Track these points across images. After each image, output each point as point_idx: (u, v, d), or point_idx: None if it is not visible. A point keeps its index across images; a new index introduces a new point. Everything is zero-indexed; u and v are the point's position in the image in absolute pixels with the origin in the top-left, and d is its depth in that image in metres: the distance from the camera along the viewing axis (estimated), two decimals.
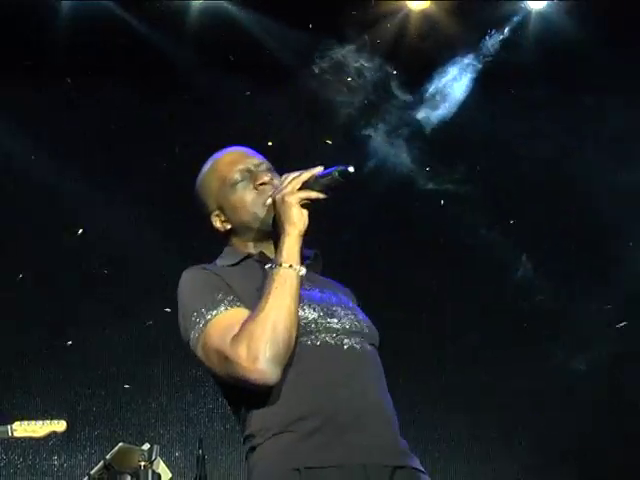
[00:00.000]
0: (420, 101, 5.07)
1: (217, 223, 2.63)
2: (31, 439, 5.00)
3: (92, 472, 4.73)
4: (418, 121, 5.07)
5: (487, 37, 5.02)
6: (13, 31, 5.56)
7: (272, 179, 2.61)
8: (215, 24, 5.71)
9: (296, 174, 2.47)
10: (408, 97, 5.00)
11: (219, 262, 2.65)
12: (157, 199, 5.83)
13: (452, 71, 5.13)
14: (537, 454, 5.69)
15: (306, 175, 2.44)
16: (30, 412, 5.31)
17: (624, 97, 5.52)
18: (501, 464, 5.75)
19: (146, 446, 4.63)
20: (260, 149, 2.75)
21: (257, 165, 2.66)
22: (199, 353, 2.44)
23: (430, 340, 6.00)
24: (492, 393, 5.76)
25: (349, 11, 5.19)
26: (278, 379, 2.34)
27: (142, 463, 4.57)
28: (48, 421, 4.84)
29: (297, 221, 2.45)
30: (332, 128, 4.73)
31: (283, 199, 2.48)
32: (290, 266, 2.43)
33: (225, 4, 5.77)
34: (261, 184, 2.58)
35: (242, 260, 2.60)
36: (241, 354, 2.36)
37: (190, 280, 2.59)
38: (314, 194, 2.43)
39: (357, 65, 4.55)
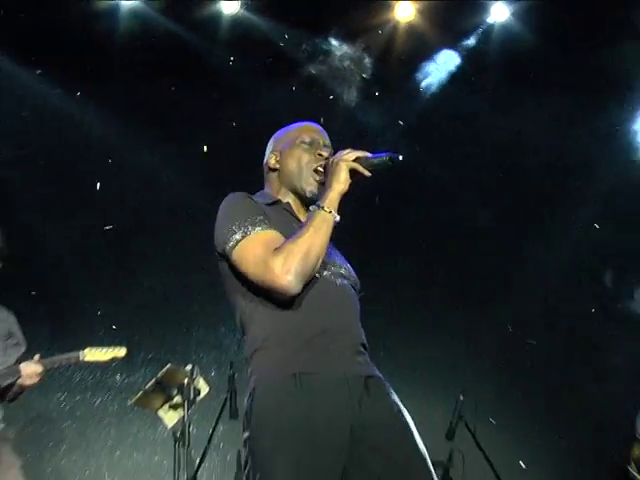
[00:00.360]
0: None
1: (272, 160, 3.14)
2: (97, 363, 5.48)
3: (146, 387, 5.14)
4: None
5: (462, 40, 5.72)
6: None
7: (328, 157, 3.07)
8: (243, 30, 6.36)
9: (351, 150, 2.94)
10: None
11: (258, 197, 3.13)
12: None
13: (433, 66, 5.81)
14: None
15: (361, 153, 2.90)
16: (98, 340, 5.77)
17: (560, 87, 6.39)
18: None
19: (189, 367, 4.98)
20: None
21: (324, 143, 3.16)
22: (235, 256, 2.85)
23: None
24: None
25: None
26: (298, 292, 2.77)
27: (186, 380, 4.97)
28: (112, 348, 5.37)
29: (343, 181, 2.89)
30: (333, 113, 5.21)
31: (338, 162, 2.92)
32: (330, 212, 2.89)
33: (251, 16, 6.34)
34: (320, 155, 3.07)
35: (273, 203, 3.05)
36: (277, 264, 2.77)
37: (235, 200, 3.02)
38: (362, 168, 2.87)
39: (348, 62, 5.19)
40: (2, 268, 5.29)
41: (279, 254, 2.82)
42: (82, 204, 6.57)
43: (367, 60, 4.89)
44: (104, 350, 5.34)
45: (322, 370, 2.83)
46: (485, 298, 6.63)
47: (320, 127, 3.31)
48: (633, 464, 5.68)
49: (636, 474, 5.67)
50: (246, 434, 2.85)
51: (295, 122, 3.31)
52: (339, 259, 3.18)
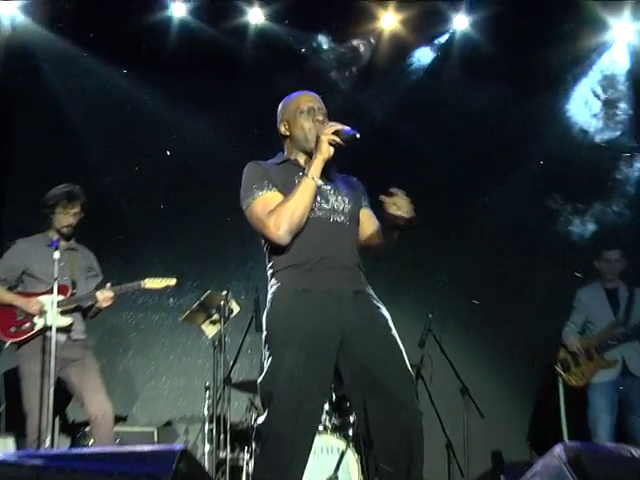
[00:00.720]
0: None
1: (282, 128, 3.58)
2: (155, 290, 6.01)
3: (192, 307, 6.13)
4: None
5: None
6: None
7: (324, 120, 3.50)
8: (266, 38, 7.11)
9: (334, 123, 3.36)
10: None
11: (270, 161, 3.59)
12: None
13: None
14: None
15: (339, 127, 3.32)
16: (156, 271, 6.29)
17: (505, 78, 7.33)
18: None
19: (224, 292, 6.01)
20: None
21: (319, 109, 3.56)
22: (248, 216, 3.41)
23: None
24: None
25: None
26: (288, 242, 3.30)
27: (222, 302, 5.96)
28: (165, 278, 5.94)
29: (324, 151, 3.32)
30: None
31: (320, 136, 3.33)
32: (312, 178, 3.34)
33: (274, 25, 7.03)
34: (316, 120, 3.52)
35: (283, 162, 3.54)
36: (270, 223, 3.31)
37: (248, 170, 3.52)
38: (338, 139, 3.28)
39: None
40: (84, 218, 5.76)
41: (271, 215, 3.35)
42: (146, 167, 7.30)
43: (360, 55, 5.45)
44: (160, 280, 5.92)
45: (318, 288, 3.38)
46: (451, 238, 7.41)
47: (313, 94, 3.69)
48: (559, 364, 6.37)
49: (560, 371, 6.30)
50: (264, 333, 3.44)
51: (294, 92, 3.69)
52: (339, 196, 3.62)
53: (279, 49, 7.23)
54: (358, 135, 3.34)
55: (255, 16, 7.15)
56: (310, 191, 3.37)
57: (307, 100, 3.62)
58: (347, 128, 3.36)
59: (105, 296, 5.63)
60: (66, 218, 5.70)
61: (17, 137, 7.55)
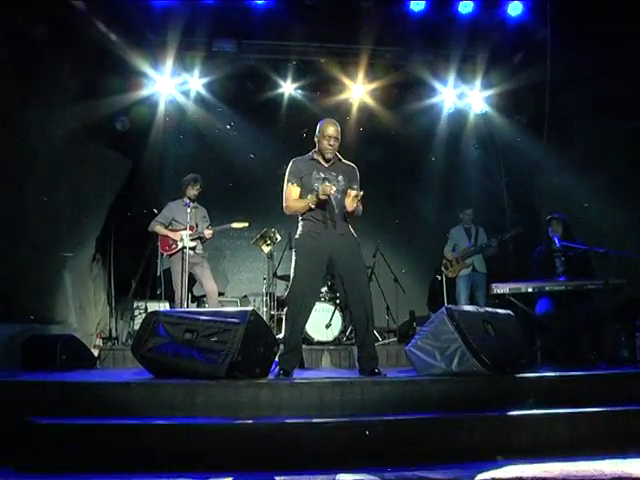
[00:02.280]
0: None
1: (315, 140, 4.52)
2: (237, 228, 6.92)
3: (257, 236, 7.33)
4: None
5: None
6: None
7: (333, 144, 4.42)
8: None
9: (328, 190, 4.27)
10: None
11: (306, 156, 4.56)
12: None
13: None
14: None
15: (329, 191, 4.26)
16: (228, 220, 7.15)
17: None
18: None
19: (274, 229, 7.32)
20: None
21: (335, 137, 4.46)
22: (283, 191, 4.52)
23: None
24: None
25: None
26: (290, 215, 4.56)
27: (272, 234, 7.36)
28: (243, 222, 6.88)
29: (320, 200, 4.34)
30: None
31: (320, 195, 4.29)
32: (309, 205, 4.35)
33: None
34: (330, 145, 4.40)
35: (311, 159, 4.54)
36: (284, 205, 4.53)
37: (290, 165, 4.59)
38: (326, 197, 4.27)
39: None
40: (204, 189, 6.82)
41: (286, 202, 4.48)
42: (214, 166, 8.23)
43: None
44: (239, 223, 6.89)
45: (318, 230, 4.47)
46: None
47: (334, 125, 4.50)
48: (442, 267, 7.64)
49: (444, 269, 7.63)
50: (293, 250, 4.58)
51: (324, 118, 4.58)
52: (339, 179, 4.46)
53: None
54: (335, 191, 4.37)
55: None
56: (305, 207, 4.47)
57: (328, 129, 4.52)
58: (333, 190, 4.35)
59: (209, 232, 6.81)
60: (192, 192, 6.86)
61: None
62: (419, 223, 8.45)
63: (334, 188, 4.33)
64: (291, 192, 4.52)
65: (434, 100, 8.15)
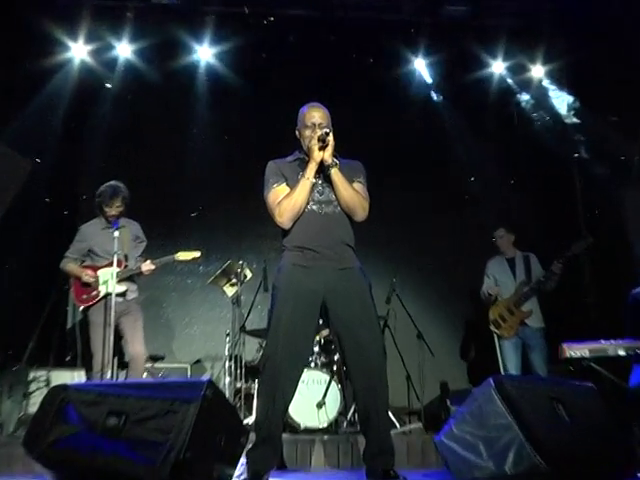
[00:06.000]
0: None
1: (297, 133, 4.63)
2: (185, 261, 7.00)
3: (217, 273, 7.39)
4: None
5: None
6: None
7: (314, 132, 4.43)
8: None
9: (316, 133, 4.38)
10: None
11: (286, 158, 4.62)
12: None
13: None
14: None
15: (318, 133, 4.35)
16: (191, 243, 7.56)
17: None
18: None
19: (241, 262, 7.42)
20: None
21: (320, 123, 4.54)
22: (267, 204, 4.44)
23: None
24: None
25: None
26: (289, 226, 4.38)
27: (238, 269, 7.42)
28: (192, 252, 6.91)
29: (315, 157, 4.39)
30: None
31: (311, 147, 4.40)
32: (307, 179, 4.37)
33: None
34: (314, 133, 4.45)
35: (294, 160, 4.60)
36: (276, 212, 4.42)
37: (268, 168, 4.62)
38: (320, 143, 4.29)
39: None
40: (128, 205, 6.85)
41: (278, 206, 4.37)
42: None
43: None
44: (188, 253, 6.89)
45: (308, 264, 4.42)
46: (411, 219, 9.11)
47: (318, 109, 4.62)
48: (491, 324, 7.58)
49: (494, 330, 7.50)
50: (270, 293, 4.47)
51: (306, 104, 4.68)
52: (328, 192, 4.49)
53: None
54: (327, 130, 4.40)
55: None
56: (306, 188, 4.44)
57: (311, 117, 4.66)
58: (323, 131, 4.41)
59: (147, 268, 6.85)
60: (111, 211, 6.86)
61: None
62: (451, 253, 8.54)
63: (325, 130, 4.39)
64: (278, 192, 4.54)
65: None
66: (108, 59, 8.81)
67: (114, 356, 6.70)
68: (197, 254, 6.97)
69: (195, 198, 8.79)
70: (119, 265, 6.70)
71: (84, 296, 6.84)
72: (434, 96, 9.48)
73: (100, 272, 6.82)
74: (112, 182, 6.91)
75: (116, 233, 6.46)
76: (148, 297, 8.01)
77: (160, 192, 8.48)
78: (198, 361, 8.38)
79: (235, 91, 8.87)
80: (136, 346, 6.75)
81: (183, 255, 6.93)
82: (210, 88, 9.13)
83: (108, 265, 6.74)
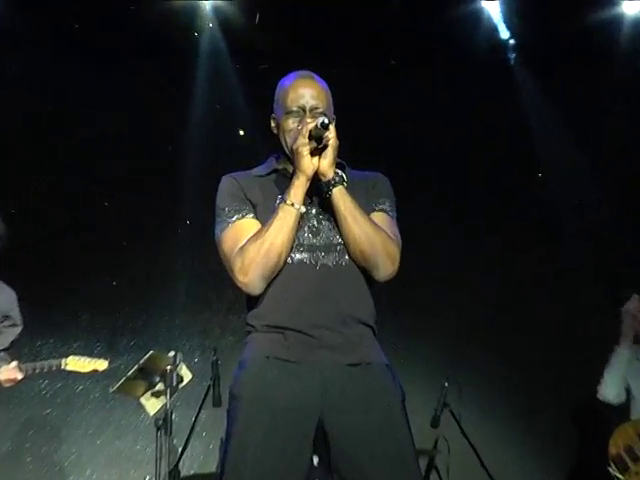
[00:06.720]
0: None
1: (272, 123, 3.63)
2: (77, 373, 6.14)
3: (129, 374, 5.78)
4: None
5: None
6: None
7: (303, 123, 3.33)
8: None
9: (306, 124, 3.26)
10: None
11: (254, 171, 3.56)
12: None
13: None
14: None
15: (312, 124, 3.25)
16: (79, 331, 6.58)
17: None
18: None
19: (172, 353, 5.58)
20: None
21: (311, 108, 3.47)
22: (220, 251, 3.39)
23: None
24: None
25: None
26: (261, 291, 3.28)
27: (168, 367, 5.51)
28: (94, 360, 6.01)
29: (305, 169, 3.32)
30: None
31: (297, 150, 3.31)
32: (292, 205, 3.30)
33: None
34: (302, 125, 3.35)
35: (270, 173, 3.53)
36: (237, 265, 3.29)
37: (222, 188, 3.52)
38: (314, 144, 3.24)
39: None
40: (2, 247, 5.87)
41: (239, 255, 3.32)
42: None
43: None
44: (87, 361, 5.98)
45: (295, 358, 3.30)
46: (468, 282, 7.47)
47: (308, 83, 3.58)
48: (612, 463, 6.08)
49: (617, 474, 6.07)
50: (227, 410, 3.38)
51: (291, 74, 3.57)
52: (328, 229, 3.48)
53: None
54: (327, 120, 3.29)
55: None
56: (291, 222, 3.33)
57: (296, 96, 3.55)
58: (319, 121, 3.30)
59: (7, 377, 5.80)
60: None
61: None
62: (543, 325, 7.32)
63: (321, 119, 3.38)
64: (241, 230, 3.49)
65: None
66: None
67: None
68: (101, 365, 6.11)
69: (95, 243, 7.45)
70: None
71: None
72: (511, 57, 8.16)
73: None
74: None
75: None
76: (5, 418, 7.28)
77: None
78: None
79: None
80: None
81: (76, 363, 6.08)
82: None
83: None
